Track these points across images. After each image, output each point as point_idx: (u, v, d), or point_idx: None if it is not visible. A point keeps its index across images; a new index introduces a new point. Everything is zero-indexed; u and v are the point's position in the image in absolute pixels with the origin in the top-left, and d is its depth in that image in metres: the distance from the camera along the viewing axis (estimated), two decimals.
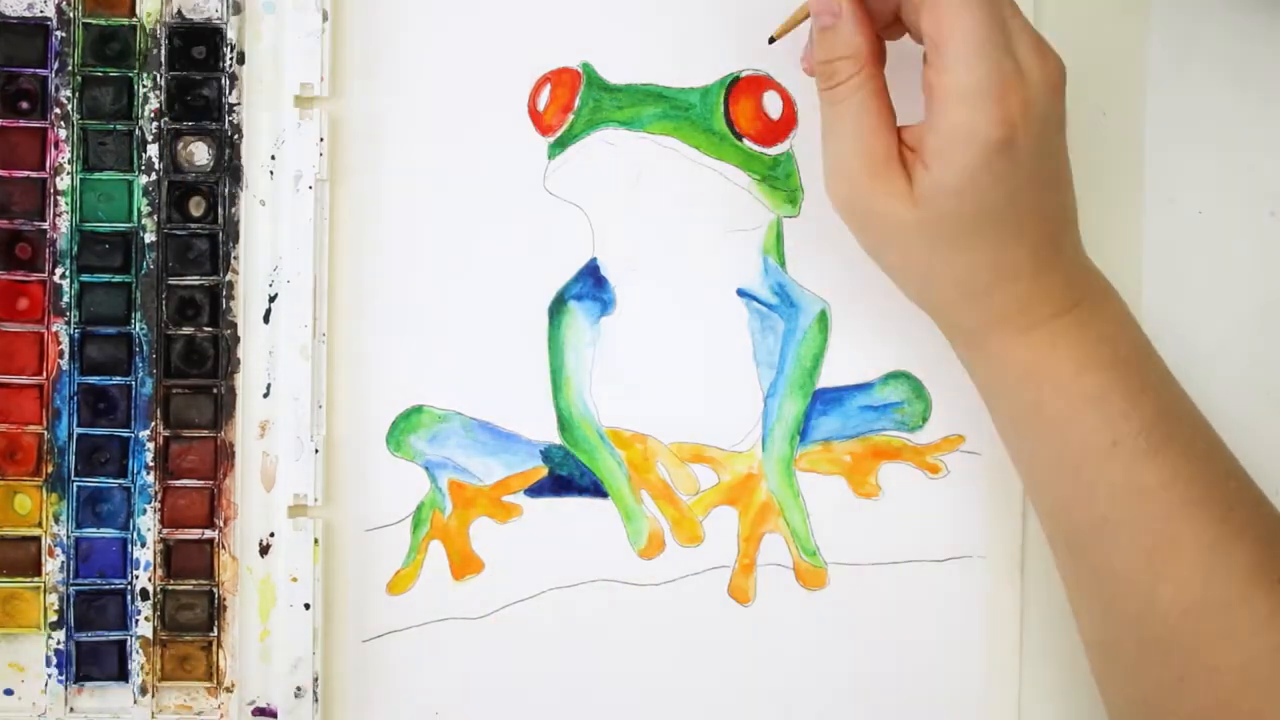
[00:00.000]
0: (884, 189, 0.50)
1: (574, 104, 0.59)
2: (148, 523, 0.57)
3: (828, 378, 0.59)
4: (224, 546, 0.57)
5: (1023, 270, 0.51)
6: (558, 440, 0.59)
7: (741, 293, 0.59)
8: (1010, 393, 0.53)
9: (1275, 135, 0.60)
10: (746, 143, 0.59)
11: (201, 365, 0.57)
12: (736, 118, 0.59)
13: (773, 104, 0.59)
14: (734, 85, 0.59)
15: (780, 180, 0.59)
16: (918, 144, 0.50)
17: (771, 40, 0.54)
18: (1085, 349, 0.51)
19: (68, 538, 0.57)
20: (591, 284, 0.59)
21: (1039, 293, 0.51)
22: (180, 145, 0.57)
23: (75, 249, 0.57)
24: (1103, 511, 0.51)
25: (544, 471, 0.59)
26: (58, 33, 0.57)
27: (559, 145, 0.59)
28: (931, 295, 0.53)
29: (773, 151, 0.59)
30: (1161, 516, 0.50)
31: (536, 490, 0.59)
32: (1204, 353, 0.59)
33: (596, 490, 0.59)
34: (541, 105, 0.59)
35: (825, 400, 0.59)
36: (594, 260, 0.59)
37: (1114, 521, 0.51)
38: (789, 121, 0.59)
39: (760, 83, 0.59)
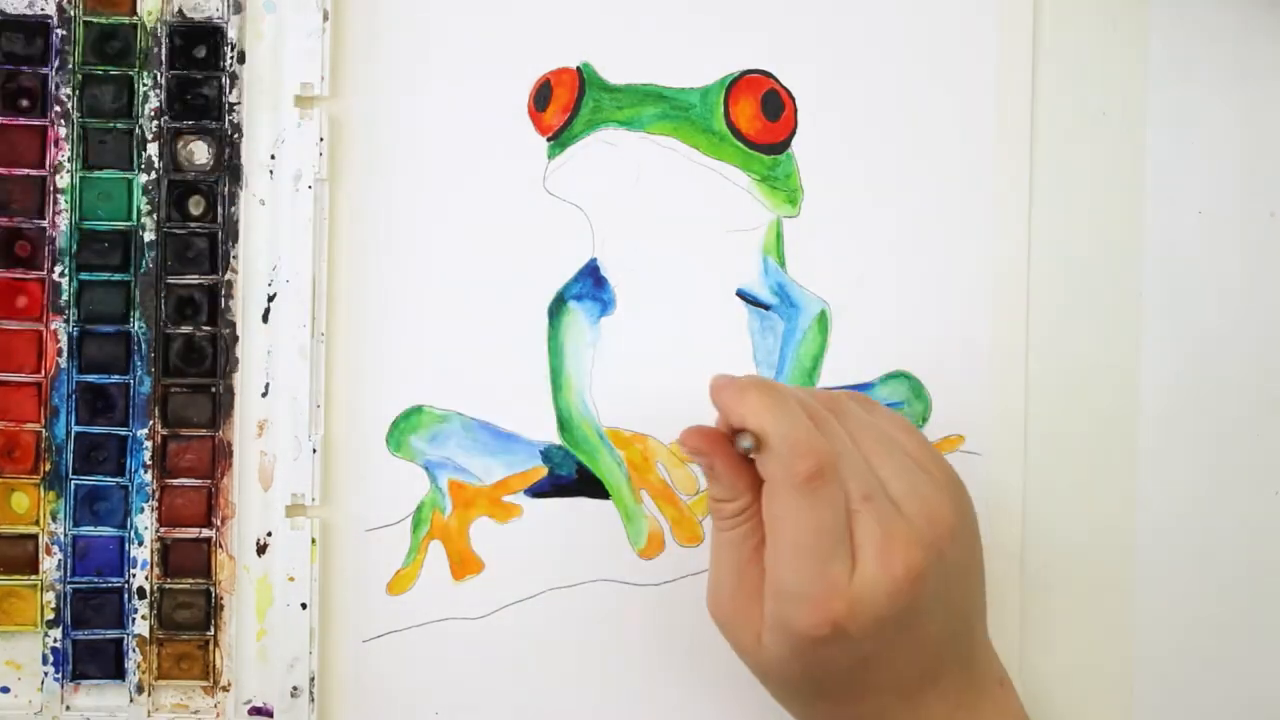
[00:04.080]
0: (742, 625, 0.50)
1: (574, 104, 0.59)
2: (145, 521, 0.57)
3: (827, 378, 0.59)
4: (221, 545, 0.57)
5: None
6: (558, 440, 0.59)
7: (741, 293, 0.59)
8: None
9: (1275, 135, 0.60)
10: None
11: (200, 364, 0.57)
12: (736, 118, 0.59)
13: (773, 104, 0.59)
14: (734, 85, 0.59)
15: (780, 180, 0.59)
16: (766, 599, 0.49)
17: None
18: None
19: (65, 536, 0.57)
20: (591, 284, 0.59)
21: None
22: (180, 144, 0.57)
23: (74, 247, 0.57)
24: None
25: (544, 471, 0.59)
26: (58, 30, 0.57)
27: (559, 145, 0.59)
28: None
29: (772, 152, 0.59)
30: None
31: (536, 490, 0.59)
32: (1204, 353, 0.59)
33: (596, 490, 0.59)
34: (541, 105, 0.59)
35: None
36: (594, 260, 0.59)
37: None
38: (789, 122, 0.59)
39: (760, 83, 0.59)
